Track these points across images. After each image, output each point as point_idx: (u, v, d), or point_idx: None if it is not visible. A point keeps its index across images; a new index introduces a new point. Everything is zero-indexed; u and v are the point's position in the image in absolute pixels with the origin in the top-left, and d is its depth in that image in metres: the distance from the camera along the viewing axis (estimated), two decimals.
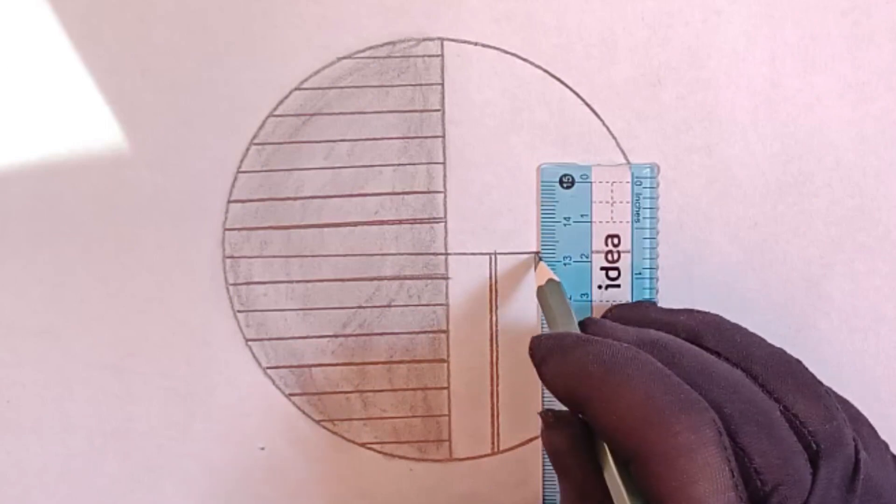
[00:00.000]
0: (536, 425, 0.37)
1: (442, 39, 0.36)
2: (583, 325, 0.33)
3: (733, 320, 0.36)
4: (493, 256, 0.37)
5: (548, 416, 0.29)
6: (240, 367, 0.37)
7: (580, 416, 0.28)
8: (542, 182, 0.36)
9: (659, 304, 0.36)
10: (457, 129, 0.36)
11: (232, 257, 0.36)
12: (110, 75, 0.36)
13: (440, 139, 0.36)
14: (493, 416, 0.37)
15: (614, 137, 0.36)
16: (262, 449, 0.37)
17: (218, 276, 0.37)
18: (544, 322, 0.34)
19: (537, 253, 0.36)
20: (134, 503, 0.37)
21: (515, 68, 0.36)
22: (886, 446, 0.30)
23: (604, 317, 0.35)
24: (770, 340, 0.36)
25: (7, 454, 0.37)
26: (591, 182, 0.36)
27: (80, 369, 0.37)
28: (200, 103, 0.36)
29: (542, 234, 0.36)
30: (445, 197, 0.36)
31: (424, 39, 0.36)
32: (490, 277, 0.37)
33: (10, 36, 0.35)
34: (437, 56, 0.36)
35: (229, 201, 0.36)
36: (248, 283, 0.37)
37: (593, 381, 0.28)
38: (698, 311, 0.33)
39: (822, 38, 0.36)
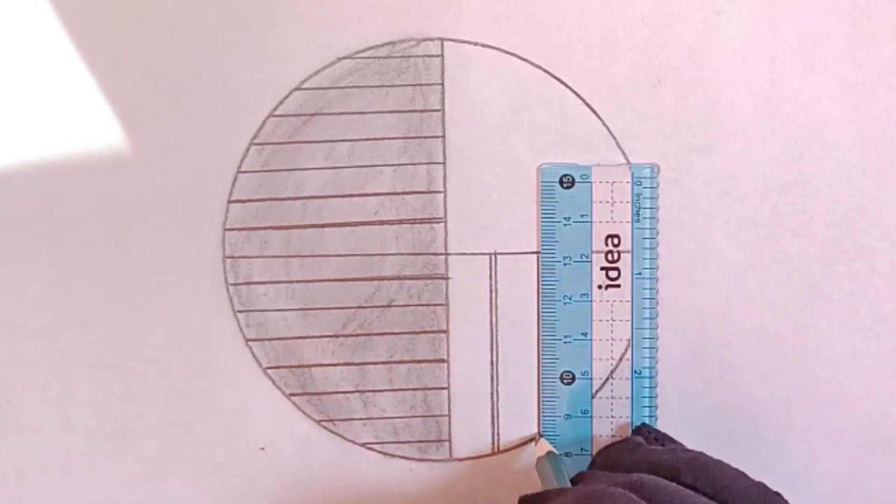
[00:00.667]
0: (536, 425, 0.37)
1: (442, 39, 0.36)
2: (574, 480, 0.34)
3: (733, 320, 0.36)
4: (493, 256, 0.37)
5: None
6: (240, 367, 0.37)
7: None
8: (542, 182, 0.36)
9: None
10: (457, 129, 0.36)
11: (232, 257, 0.36)
12: (110, 75, 0.36)
13: (440, 139, 0.36)
14: (493, 416, 0.37)
15: (614, 137, 0.36)
16: (263, 449, 0.37)
17: (218, 276, 0.37)
18: None
19: (538, 433, 0.37)
20: (134, 503, 0.37)
21: (515, 68, 0.36)
22: None
23: (593, 462, 0.36)
24: (770, 340, 0.37)
25: (7, 454, 0.37)
26: (591, 182, 0.36)
27: (80, 369, 0.37)
28: (200, 103, 0.36)
29: (542, 234, 0.36)
30: (445, 197, 0.36)
31: (424, 39, 0.36)
32: (490, 277, 0.37)
33: (11, 36, 0.35)
34: (437, 56, 0.36)
35: (229, 201, 0.36)
36: (248, 283, 0.37)
37: None
38: (681, 450, 0.34)
39: (822, 38, 0.36)
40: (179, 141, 0.36)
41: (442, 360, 0.37)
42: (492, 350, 0.37)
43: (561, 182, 0.36)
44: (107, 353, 0.37)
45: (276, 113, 0.36)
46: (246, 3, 0.35)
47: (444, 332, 0.37)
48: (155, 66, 0.36)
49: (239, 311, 0.37)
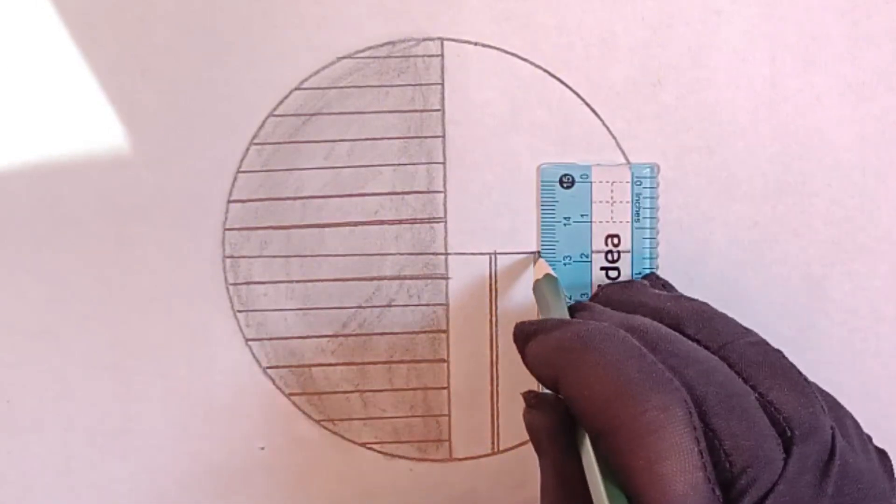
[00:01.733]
0: None
1: (442, 39, 0.36)
2: (572, 309, 0.33)
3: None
4: (493, 256, 0.37)
5: (529, 396, 0.29)
6: (240, 367, 0.37)
7: (558, 395, 0.29)
8: (542, 182, 0.36)
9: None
10: (457, 128, 0.36)
11: (232, 257, 0.37)
12: (110, 75, 0.36)
13: (440, 139, 0.36)
14: (493, 416, 0.37)
15: (614, 137, 0.36)
16: (262, 449, 0.37)
17: (218, 275, 0.37)
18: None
19: (537, 252, 0.36)
20: (134, 503, 0.37)
21: (515, 68, 0.36)
22: (869, 438, 0.30)
23: (594, 295, 0.35)
24: (770, 340, 0.37)
25: (7, 454, 0.37)
26: (591, 182, 0.36)
27: (80, 369, 0.37)
28: (200, 103, 0.36)
29: (542, 233, 0.36)
30: (445, 197, 0.36)
31: (424, 39, 0.36)
32: (490, 277, 0.37)
33: (11, 36, 0.35)
34: (437, 56, 0.36)
35: (229, 201, 0.36)
36: (248, 283, 0.37)
37: (568, 355, 0.28)
38: (686, 298, 0.33)
39: (822, 38, 0.36)
40: (179, 141, 0.36)
41: (442, 360, 0.37)
42: (492, 350, 0.37)
43: (561, 182, 0.36)
44: (107, 353, 0.37)
45: (276, 113, 0.36)
46: (246, 3, 0.35)
47: (444, 331, 0.37)
48: (155, 66, 0.36)
49: (239, 311, 0.37)
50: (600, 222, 0.36)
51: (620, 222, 0.36)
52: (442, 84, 0.36)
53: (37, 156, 0.36)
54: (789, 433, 0.27)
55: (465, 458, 0.37)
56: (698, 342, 0.30)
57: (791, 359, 0.37)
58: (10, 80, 0.36)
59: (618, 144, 0.36)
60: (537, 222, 0.36)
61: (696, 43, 0.36)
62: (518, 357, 0.37)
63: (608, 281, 0.36)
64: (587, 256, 0.36)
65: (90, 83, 0.36)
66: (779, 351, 0.30)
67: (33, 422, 0.37)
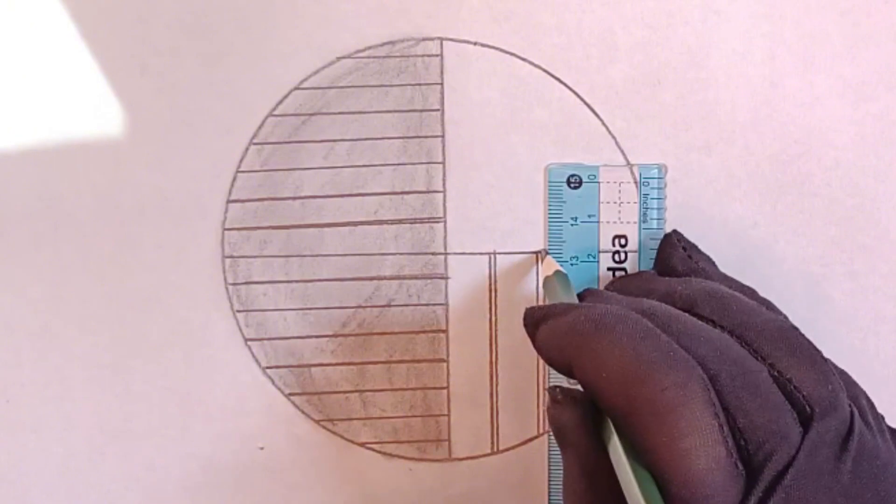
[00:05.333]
0: (536, 425, 0.37)
1: (441, 39, 0.36)
2: (581, 295, 0.33)
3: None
4: (492, 256, 0.37)
5: (555, 392, 0.29)
6: (239, 366, 0.37)
7: (575, 380, 0.29)
8: (550, 182, 0.36)
9: None
10: (456, 128, 0.36)
11: (231, 257, 0.37)
12: (110, 74, 0.36)
13: (440, 139, 0.36)
14: (492, 415, 0.37)
15: (614, 137, 0.36)
16: (262, 449, 0.37)
17: (217, 275, 0.37)
18: None
19: (544, 250, 0.36)
20: (134, 503, 0.37)
21: (515, 68, 0.36)
22: (883, 418, 0.30)
23: (606, 288, 0.35)
24: None
25: (7, 454, 0.37)
26: (598, 182, 0.36)
27: (80, 369, 0.37)
28: (200, 103, 0.36)
29: (550, 234, 0.36)
30: (445, 197, 0.36)
31: (424, 39, 0.36)
32: (489, 277, 0.37)
33: (10, 36, 0.35)
34: (437, 56, 0.36)
35: (229, 201, 0.36)
36: (247, 283, 0.37)
37: (582, 339, 0.28)
38: (696, 280, 0.33)
39: (822, 38, 0.36)
40: (179, 140, 0.36)
41: (441, 360, 0.37)
42: (491, 350, 0.37)
43: (569, 182, 0.36)
44: (107, 352, 0.37)
45: (276, 112, 0.36)
46: (246, 3, 0.35)
47: (443, 331, 0.37)
48: (155, 66, 0.36)
49: (238, 311, 0.37)
50: (608, 223, 0.36)
51: (628, 223, 0.36)
52: (441, 84, 0.36)
53: (36, 155, 0.36)
54: (808, 410, 0.27)
55: (465, 458, 0.37)
56: (713, 322, 0.30)
57: None
58: (10, 80, 0.36)
59: (617, 144, 0.36)
60: (544, 222, 0.36)
61: (695, 43, 0.36)
62: (518, 357, 0.37)
63: None
64: (594, 257, 0.36)
65: (90, 82, 0.36)
66: (796, 328, 0.30)
67: (33, 422, 0.37)
